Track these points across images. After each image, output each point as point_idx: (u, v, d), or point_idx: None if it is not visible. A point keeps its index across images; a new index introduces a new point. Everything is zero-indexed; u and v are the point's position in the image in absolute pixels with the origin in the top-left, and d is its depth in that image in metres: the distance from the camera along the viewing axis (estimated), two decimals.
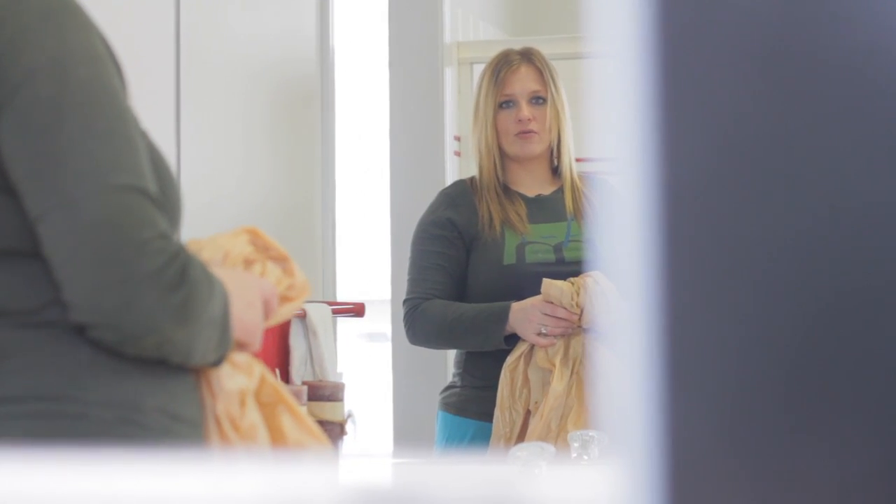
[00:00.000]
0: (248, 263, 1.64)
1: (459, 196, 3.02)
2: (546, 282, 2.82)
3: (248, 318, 1.55)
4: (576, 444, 2.49)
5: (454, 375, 3.03)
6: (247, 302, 1.55)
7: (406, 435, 3.83)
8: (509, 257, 2.92)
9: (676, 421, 0.53)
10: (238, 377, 1.55)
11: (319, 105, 3.88)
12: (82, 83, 1.43)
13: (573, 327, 2.82)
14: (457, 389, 3.00)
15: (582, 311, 2.80)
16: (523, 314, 2.83)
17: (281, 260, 1.68)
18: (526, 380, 2.83)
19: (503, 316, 2.84)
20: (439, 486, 0.71)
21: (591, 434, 2.51)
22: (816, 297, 0.54)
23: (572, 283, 2.82)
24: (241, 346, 1.56)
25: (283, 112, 3.72)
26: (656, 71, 0.54)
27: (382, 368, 4.19)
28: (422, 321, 2.96)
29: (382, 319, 4.08)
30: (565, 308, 2.80)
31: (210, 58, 3.26)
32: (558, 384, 2.77)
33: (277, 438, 1.58)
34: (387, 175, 3.98)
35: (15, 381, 1.42)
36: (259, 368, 1.59)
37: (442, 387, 3.14)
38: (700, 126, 0.54)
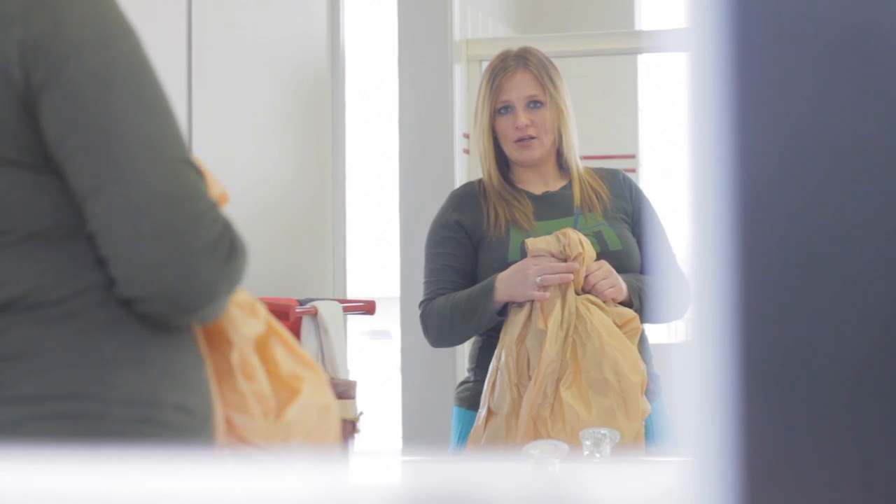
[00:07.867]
0: None
1: (466, 197, 3.03)
2: (529, 240, 2.83)
3: None
4: (587, 443, 2.49)
5: (468, 370, 3.04)
6: None
7: (415, 432, 3.83)
8: (514, 254, 2.92)
9: (749, 420, 0.53)
10: (250, 321, 1.56)
11: (330, 104, 3.89)
12: (125, 57, 1.44)
13: (568, 276, 2.80)
14: (470, 384, 3.00)
15: (568, 259, 2.80)
16: (515, 276, 2.83)
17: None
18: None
19: (489, 286, 2.85)
20: (491, 486, 0.72)
21: (602, 432, 2.50)
22: (892, 296, 0.53)
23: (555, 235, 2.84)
24: None
25: (294, 111, 3.73)
26: (731, 68, 0.53)
27: (390, 365, 4.19)
28: (431, 319, 2.96)
29: (391, 317, 4.09)
30: (553, 255, 2.80)
31: (221, 59, 3.27)
32: (551, 349, 2.75)
33: (272, 370, 1.59)
34: (396, 173, 3.98)
35: (37, 379, 1.42)
36: (261, 306, 1.60)
37: (451, 384, 3.14)
38: (775, 123, 0.53)
